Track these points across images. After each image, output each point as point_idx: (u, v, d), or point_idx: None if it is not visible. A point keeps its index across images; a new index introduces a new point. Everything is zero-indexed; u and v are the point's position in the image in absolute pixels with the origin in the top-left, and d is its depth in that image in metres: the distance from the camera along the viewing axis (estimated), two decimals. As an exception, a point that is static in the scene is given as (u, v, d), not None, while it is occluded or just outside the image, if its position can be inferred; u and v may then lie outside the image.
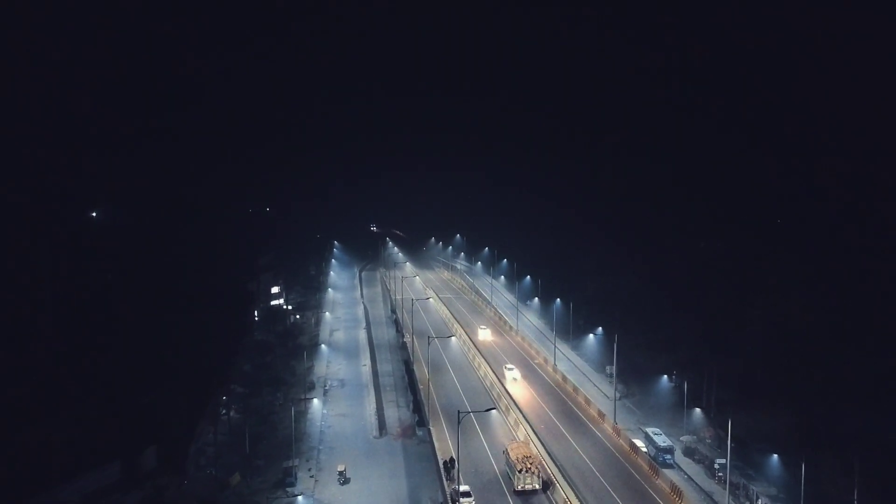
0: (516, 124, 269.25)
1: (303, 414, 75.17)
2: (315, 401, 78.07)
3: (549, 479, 54.24)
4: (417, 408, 72.22)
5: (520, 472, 53.33)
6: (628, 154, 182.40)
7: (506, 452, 57.04)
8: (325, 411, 76.34)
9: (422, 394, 73.61)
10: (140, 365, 61.81)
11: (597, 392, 79.75)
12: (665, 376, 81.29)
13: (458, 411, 51.91)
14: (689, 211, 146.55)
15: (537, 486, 53.28)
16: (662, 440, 62.27)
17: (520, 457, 54.31)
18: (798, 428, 63.34)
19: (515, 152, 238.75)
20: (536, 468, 53.77)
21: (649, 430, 64.54)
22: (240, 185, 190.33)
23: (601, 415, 66.05)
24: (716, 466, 59.80)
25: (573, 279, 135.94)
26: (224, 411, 76.50)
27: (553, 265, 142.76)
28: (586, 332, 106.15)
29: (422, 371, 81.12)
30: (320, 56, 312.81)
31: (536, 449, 57.68)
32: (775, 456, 59.40)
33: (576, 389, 74.69)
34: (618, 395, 79.01)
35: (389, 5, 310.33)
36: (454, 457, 54.98)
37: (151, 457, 54.59)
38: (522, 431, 62.04)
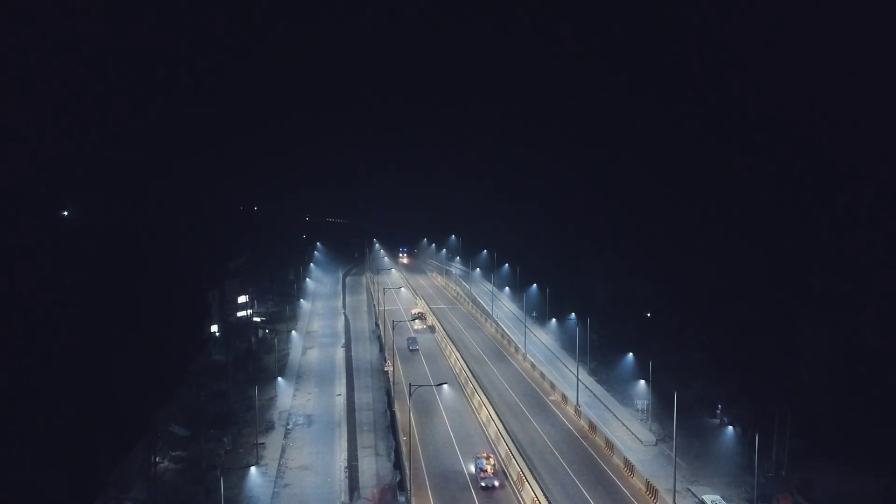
0: (512, 123, 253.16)
1: (254, 465, 58.66)
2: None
3: (434, 326, 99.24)
4: (399, 461, 55.72)
5: (413, 320, 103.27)
6: (634, 151, 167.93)
7: (410, 313, 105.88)
8: (282, 461, 59.80)
9: (404, 444, 56.77)
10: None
11: (626, 435, 63.17)
12: (727, 426, 64.42)
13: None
14: (702, 211, 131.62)
15: (425, 326, 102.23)
16: (727, 514, 46.07)
17: (415, 312, 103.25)
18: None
19: (512, 150, 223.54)
20: (425, 318, 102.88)
21: (707, 498, 48.29)
22: (227, 184, 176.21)
23: (652, 490, 48.42)
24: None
25: (582, 287, 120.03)
26: (159, 459, 60.15)
27: (559, 271, 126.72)
28: (602, 350, 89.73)
29: (406, 411, 64.01)
30: (318, 51, 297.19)
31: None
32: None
33: (610, 445, 56.31)
34: (654, 437, 63.01)
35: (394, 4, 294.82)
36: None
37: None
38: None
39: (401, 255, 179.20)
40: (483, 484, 50.52)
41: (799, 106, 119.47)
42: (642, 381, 68.09)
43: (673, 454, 48.55)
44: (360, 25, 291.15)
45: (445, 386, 71.53)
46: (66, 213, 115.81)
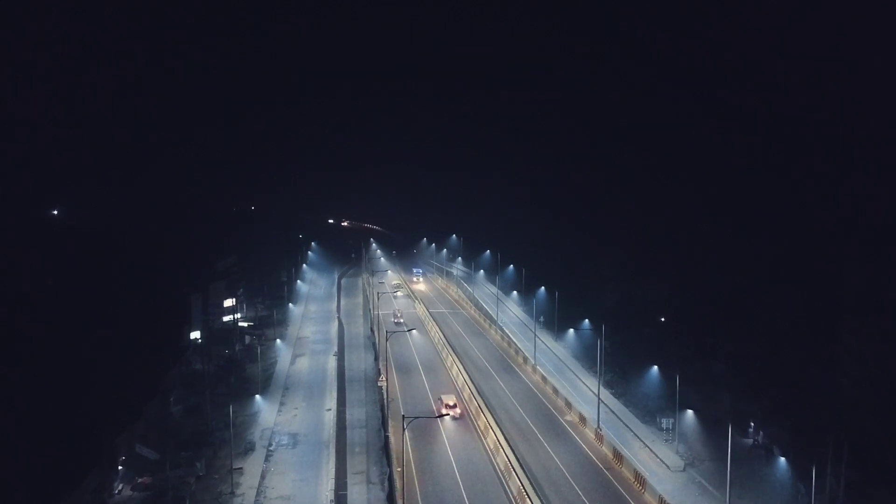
0: (515, 118, 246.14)
1: (225, 497, 51.32)
2: None
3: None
4: (392, 494, 48.39)
5: (394, 292, 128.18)
6: (644, 147, 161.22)
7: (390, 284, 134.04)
8: (261, 489, 52.45)
9: (398, 476, 49.16)
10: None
11: (651, 459, 55.65)
12: (761, 447, 57.09)
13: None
14: (717, 207, 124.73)
15: (404, 293, 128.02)
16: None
17: (394, 283, 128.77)
18: None
19: (516, 147, 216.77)
20: (408, 290, 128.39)
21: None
22: (220, 183, 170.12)
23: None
24: None
25: (590, 289, 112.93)
26: (121, 487, 53.07)
27: (566, 272, 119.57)
28: (616, 359, 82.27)
29: (400, 430, 56.27)
30: (315, 43, 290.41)
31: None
32: None
33: (640, 479, 48.37)
34: (681, 462, 55.66)
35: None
36: None
37: None
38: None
39: (415, 278, 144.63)
40: None
41: (829, 92, 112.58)
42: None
43: (726, 495, 41.06)
44: (361, 20, 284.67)
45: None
46: (55, 212, 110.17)
